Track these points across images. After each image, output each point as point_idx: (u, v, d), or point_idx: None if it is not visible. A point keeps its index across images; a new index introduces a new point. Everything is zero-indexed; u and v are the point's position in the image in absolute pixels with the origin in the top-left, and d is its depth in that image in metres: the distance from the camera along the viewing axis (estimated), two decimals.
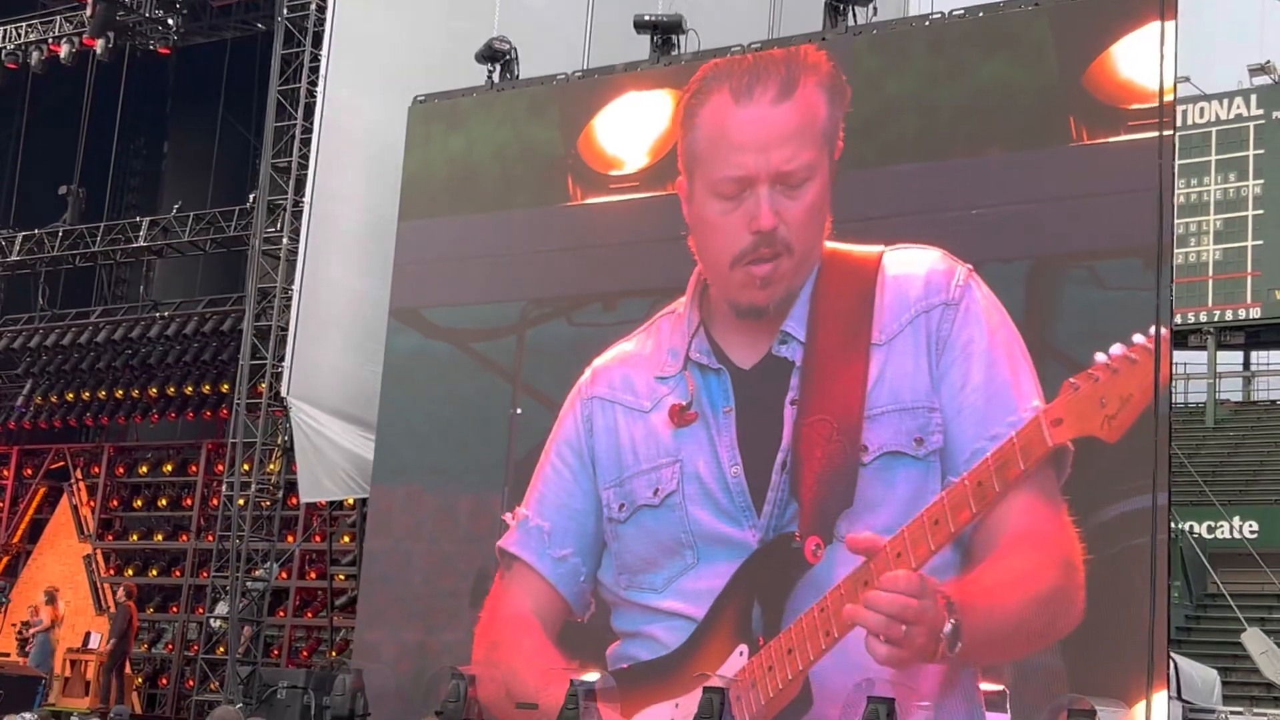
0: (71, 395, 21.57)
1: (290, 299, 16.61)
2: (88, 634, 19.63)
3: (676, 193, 13.63)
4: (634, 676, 12.97)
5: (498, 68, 15.29)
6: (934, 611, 11.17)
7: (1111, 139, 11.52)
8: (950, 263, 12.01)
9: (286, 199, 17.05)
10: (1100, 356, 11.05)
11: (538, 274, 14.36)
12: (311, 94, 16.81)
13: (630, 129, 14.26)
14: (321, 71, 16.66)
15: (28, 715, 5.65)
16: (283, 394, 16.35)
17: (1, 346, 21.52)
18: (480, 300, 14.66)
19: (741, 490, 12.59)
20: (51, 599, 19.28)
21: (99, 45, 19.83)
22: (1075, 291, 11.52)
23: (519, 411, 14.37)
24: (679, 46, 14.32)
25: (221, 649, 17.04)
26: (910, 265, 12.17)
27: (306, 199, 16.55)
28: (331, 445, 16.23)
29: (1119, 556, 10.91)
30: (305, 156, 16.75)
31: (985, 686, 11.10)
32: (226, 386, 19.53)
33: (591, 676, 12.91)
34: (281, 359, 16.55)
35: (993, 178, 12.06)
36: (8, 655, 19.78)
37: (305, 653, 19.32)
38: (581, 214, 14.13)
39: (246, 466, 17.14)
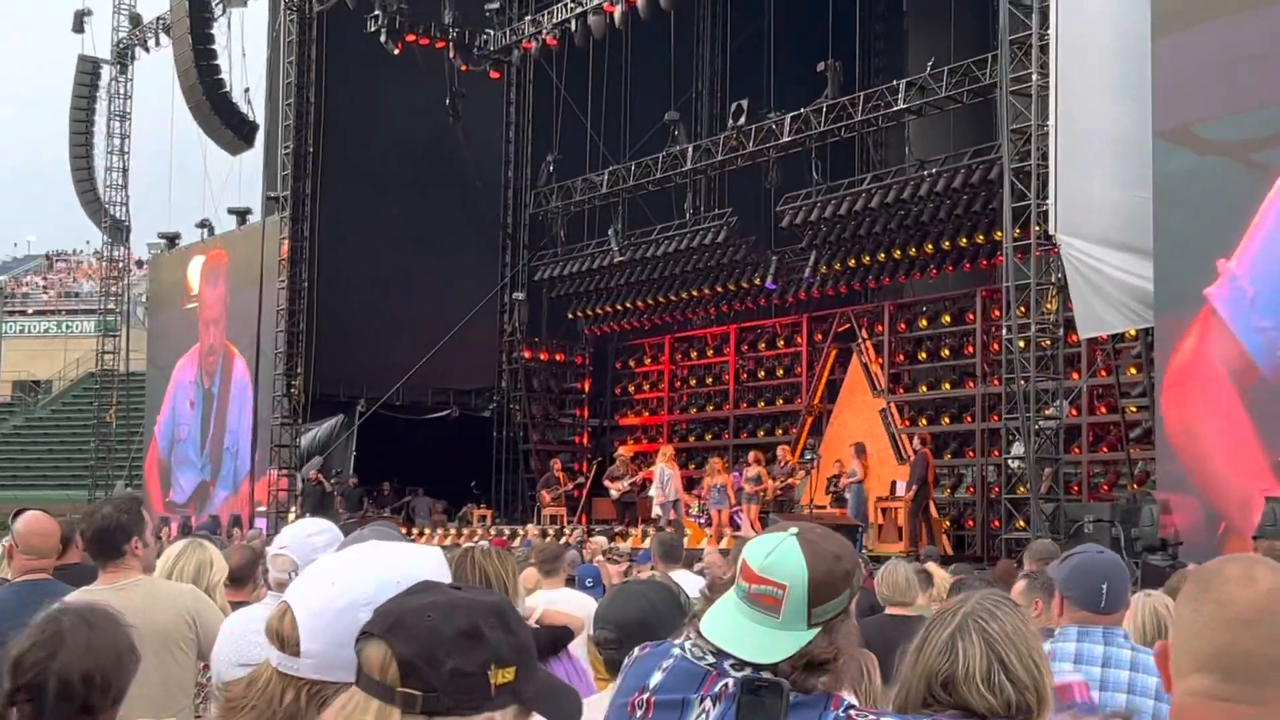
0: (853, 261, 22.86)
1: (1046, 136, 16.55)
2: (893, 483, 20.98)
3: None
4: None
5: None
6: None
7: None
8: None
9: (1032, 35, 16.92)
10: None
11: None
12: None
13: None
14: None
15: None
16: (1050, 232, 16.40)
17: (785, 223, 23.20)
18: (1254, 107, 13.83)
19: None
20: (861, 452, 20.70)
21: None
22: None
23: None
24: None
25: (1023, 489, 17.57)
26: None
27: (1051, 32, 16.36)
28: (1105, 278, 16.10)
29: None
30: None
31: None
32: (1000, 234, 19.78)
33: None
34: (1045, 197, 16.58)
35: None
36: (824, 507, 21.53)
37: (1105, 486, 19.45)
38: None
39: (1022, 309, 17.41)
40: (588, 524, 23.12)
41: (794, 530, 2.58)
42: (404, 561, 2.07)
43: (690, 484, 23.07)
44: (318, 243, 26.02)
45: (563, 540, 17.83)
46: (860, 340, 24.15)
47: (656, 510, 21.05)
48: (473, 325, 27.30)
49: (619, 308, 27.11)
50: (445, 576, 2.07)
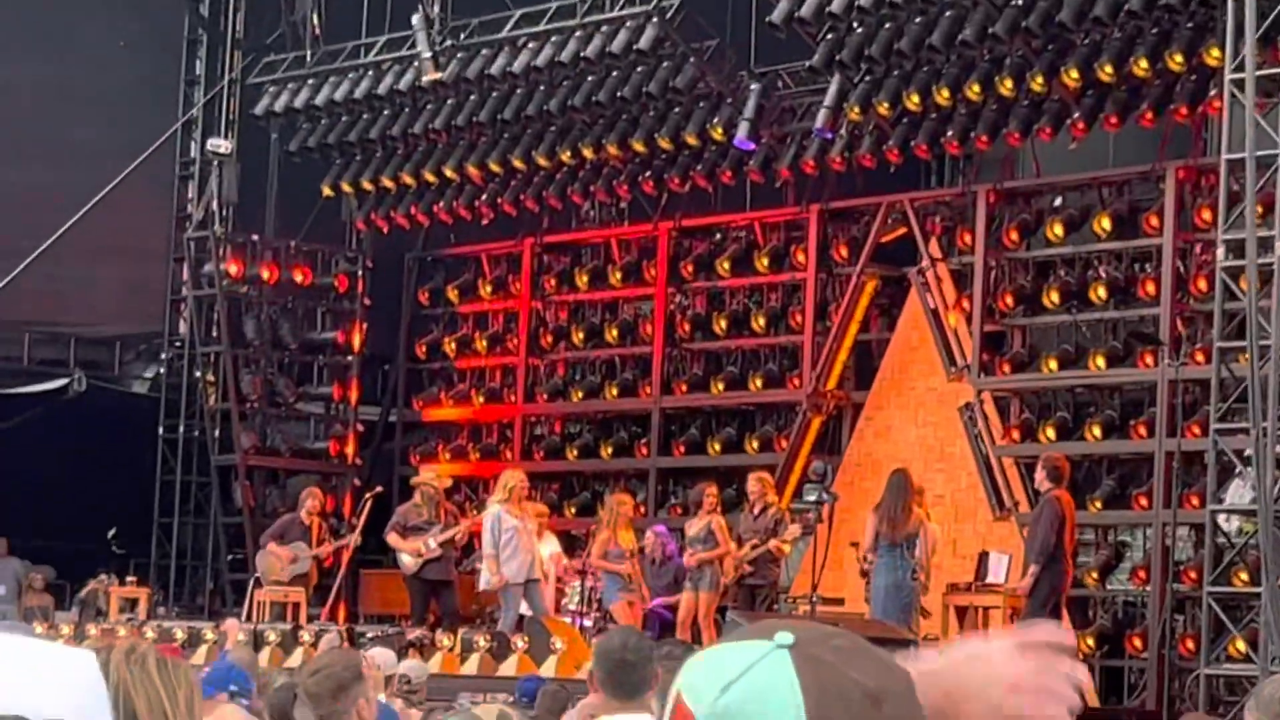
0: (914, 100, 22.90)
1: None
2: (983, 556, 21.14)
3: None
4: None
5: None
6: None
7: None
8: None
9: None
10: None
11: None
12: None
13: None
14: None
15: None
16: None
17: (779, 17, 23.19)
18: None
19: None
20: (898, 491, 20.64)
21: None
22: None
23: None
24: None
25: (1242, 575, 17.77)
26: None
27: None
28: None
29: None
30: None
31: None
32: (1215, 53, 19.86)
33: None
34: None
35: None
36: (840, 602, 21.60)
37: None
38: None
39: (1261, 212, 17.63)
40: (348, 621, 23.08)
41: (785, 638, 2.54)
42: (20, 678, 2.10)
43: (569, 546, 23.13)
44: None
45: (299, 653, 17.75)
46: (927, 261, 24.25)
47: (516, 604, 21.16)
48: (117, 206, 27.16)
49: (429, 179, 27.09)
50: (97, 711, 2.12)
